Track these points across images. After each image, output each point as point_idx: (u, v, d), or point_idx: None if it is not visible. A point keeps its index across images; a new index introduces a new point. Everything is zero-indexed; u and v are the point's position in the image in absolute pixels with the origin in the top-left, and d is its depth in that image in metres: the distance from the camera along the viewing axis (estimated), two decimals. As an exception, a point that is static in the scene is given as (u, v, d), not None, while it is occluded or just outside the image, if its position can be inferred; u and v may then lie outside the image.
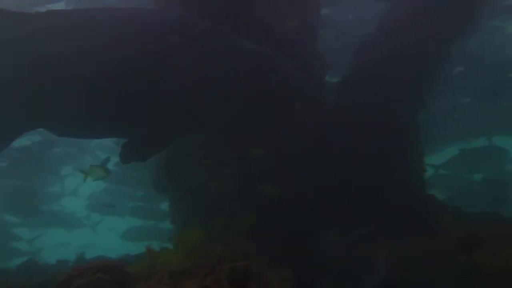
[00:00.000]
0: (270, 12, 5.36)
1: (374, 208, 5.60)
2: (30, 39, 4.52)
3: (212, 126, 5.01)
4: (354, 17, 8.60)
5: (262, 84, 4.71)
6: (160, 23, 4.67)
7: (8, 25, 4.49)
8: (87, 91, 4.49)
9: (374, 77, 6.02)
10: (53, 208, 14.79)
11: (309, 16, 6.19)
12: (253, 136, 5.35)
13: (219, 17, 5.02)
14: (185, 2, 5.26)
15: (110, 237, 16.86)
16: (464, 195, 10.68)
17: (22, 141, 10.66)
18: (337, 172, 5.68)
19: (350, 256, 5.36)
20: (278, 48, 4.98)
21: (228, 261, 3.88)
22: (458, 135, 12.08)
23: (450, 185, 11.24)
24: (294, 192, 5.38)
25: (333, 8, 8.43)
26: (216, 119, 4.78)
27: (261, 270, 3.98)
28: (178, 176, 5.92)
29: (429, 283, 4.82)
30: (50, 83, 4.49)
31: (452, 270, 4.78)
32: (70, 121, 4.75)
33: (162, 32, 4.59)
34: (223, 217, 5.06)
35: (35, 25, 4.51)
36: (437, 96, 7.20)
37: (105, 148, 12.46)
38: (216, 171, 5.55)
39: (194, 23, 4.79)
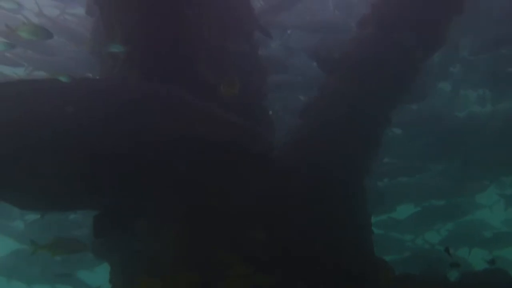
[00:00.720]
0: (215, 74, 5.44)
1: (320, 270, 5.46)
2: None
3: None
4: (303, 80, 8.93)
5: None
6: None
7: None
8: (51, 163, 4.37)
9: (320, 141, 6.11)
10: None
11: (256, 79, 6.35)
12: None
13: (166, 77, 5.07)
14: (130, 61, 5.27)
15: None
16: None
17: None
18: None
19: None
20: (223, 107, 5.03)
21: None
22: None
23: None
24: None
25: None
26: None
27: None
28: (118, 238, 5.63)
29: None
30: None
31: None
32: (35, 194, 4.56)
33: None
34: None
35: None
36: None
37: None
38: (157, 232, 5.30)
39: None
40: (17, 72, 8.68)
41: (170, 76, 5.28)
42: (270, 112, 6.83)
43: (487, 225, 13.23)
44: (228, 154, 4.98)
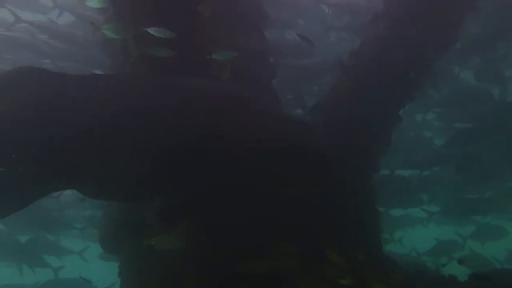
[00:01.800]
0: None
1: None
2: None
3: None
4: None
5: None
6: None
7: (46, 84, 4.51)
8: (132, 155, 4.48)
9: (327, 138, 6.11)
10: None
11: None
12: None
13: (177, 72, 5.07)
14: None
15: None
16: None
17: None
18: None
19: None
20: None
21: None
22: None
23: None
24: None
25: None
26: None
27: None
28: (129, 235, 5.66)
29: None
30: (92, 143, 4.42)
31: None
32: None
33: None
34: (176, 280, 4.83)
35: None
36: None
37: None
38: (168, 232, 5.32)
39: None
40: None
41: (181, 71, 5.27)
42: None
43: None
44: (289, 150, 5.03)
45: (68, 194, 10.72)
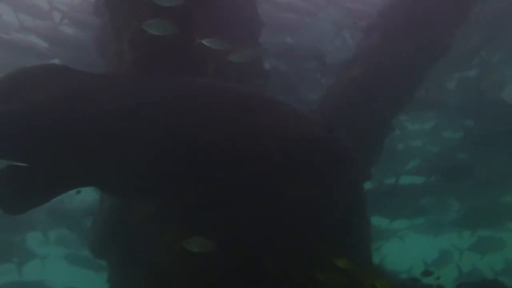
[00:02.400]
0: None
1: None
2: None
3: None
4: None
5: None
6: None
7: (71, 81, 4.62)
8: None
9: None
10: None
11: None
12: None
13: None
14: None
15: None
16: None
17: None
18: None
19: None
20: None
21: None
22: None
23: None
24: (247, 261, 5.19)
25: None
26: None
27: None
28: (118, 239, 5.61)
29: None
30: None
31: None
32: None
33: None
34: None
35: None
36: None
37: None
38: (159, 236, 5.28)
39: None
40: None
41: (176, 76, 5.28)
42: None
43: None
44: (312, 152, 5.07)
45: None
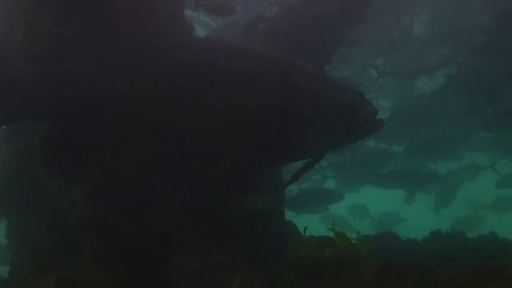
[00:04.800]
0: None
1: (234, 233, 5.52)
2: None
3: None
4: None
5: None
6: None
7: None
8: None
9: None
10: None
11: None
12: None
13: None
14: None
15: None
16: None
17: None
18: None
19: (206, 283, 5.18)
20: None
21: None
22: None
23: None
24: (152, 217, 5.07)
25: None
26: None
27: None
28: (20, 191, 5.26)
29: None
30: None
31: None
32: None
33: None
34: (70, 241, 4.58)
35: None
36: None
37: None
38: (64, 189, 5.01)
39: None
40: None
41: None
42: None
43: None
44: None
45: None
